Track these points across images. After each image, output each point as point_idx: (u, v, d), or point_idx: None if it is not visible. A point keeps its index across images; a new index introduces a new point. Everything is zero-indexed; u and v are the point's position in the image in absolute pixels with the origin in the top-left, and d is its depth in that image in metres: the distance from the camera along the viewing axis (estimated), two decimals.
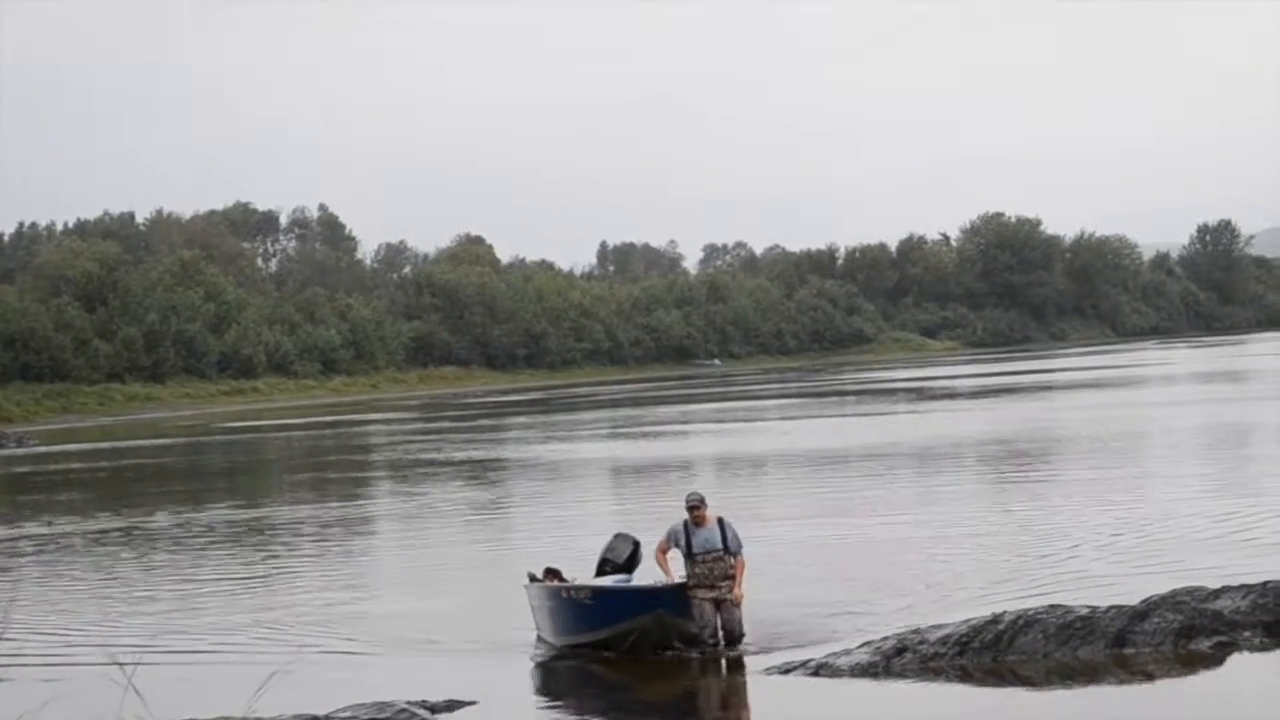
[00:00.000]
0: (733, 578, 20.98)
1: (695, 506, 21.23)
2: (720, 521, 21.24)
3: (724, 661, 20.45)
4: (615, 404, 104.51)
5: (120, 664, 14.98)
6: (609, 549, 22.83)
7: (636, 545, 22.78)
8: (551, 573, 22.82)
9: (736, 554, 21.15)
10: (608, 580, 21.99)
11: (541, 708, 19.47)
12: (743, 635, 20.94)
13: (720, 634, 20.84)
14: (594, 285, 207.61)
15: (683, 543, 21.12)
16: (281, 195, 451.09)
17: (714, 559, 20.95)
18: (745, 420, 74.93)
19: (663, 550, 21.43)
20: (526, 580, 23.04)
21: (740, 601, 20.95)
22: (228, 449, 79.26)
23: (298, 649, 22.70)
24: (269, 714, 17.37)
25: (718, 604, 20.83)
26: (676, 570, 21.31)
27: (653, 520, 33.26)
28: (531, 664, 21.49)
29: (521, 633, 22.99)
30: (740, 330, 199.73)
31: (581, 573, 22.95)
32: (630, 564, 22.53)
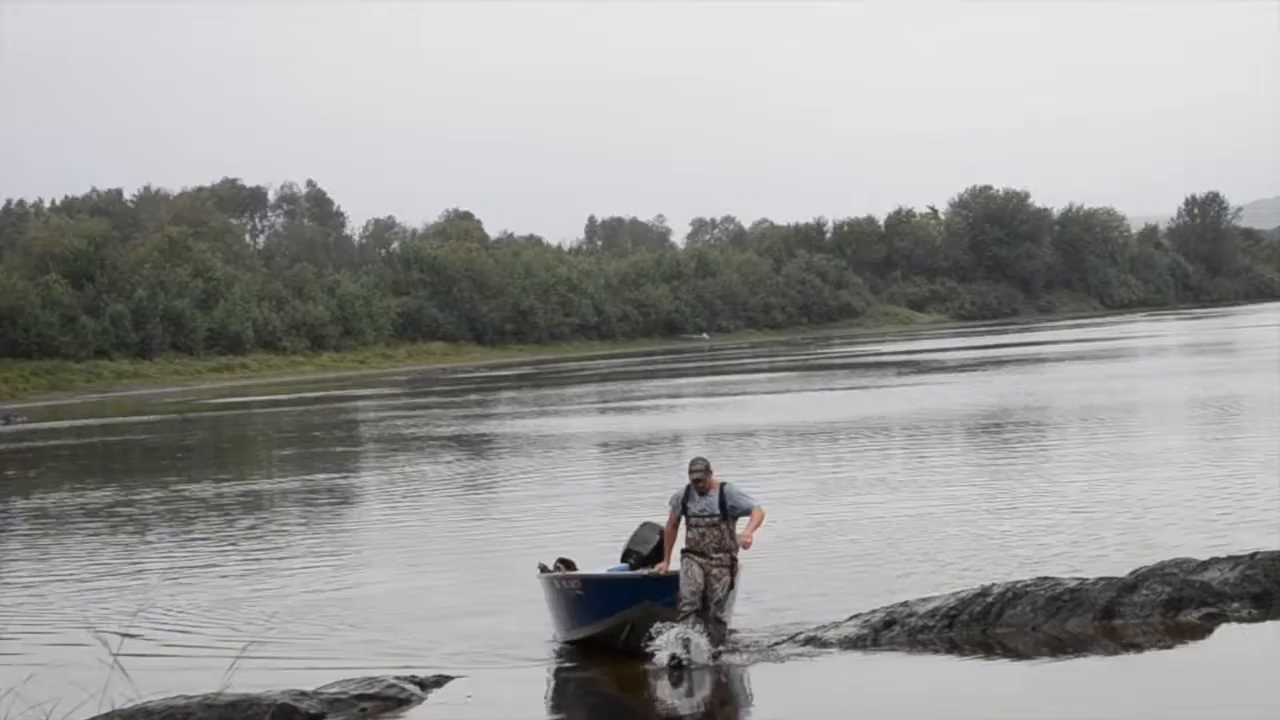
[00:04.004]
0: (727, 550, 19.80)
1: (699, 477, 19.98)
2: (721, 488, 20.02)
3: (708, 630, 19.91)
4: (604, 378, 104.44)
5: (105, 643, 14.98)
6: (634, 538, 21.53)
7: (663, 534, 21.26)
8: (564, 563, 21.62)
9: (747, 512, 19.91)
10: (599, 571, 20.89)
11: (528, 683, 19.38)
12: (720, 612, 19.71)
13: (705, 601, 19.62)
14: (582, 260, 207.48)
15: (679, 508, 20.09)
16: (269, 171, 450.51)
17: (708, 524, 19.77)
18: (734, 394, 74.86)
19: (672, 523, 20.24)
20: (538, 571, 21.73)
21: (748, 544, 19.71)
22: (214, 425, 79.12)
23: (276, 623, 22.70)
24: (257, 690, 17.36)
25: (705, 573, 19.68)
26: (676, 557, 20.14)
27: (644, 497, 33.32)
28: (518, 640, 21.36)
29: (507, 611, 22.89)
30: (728, 304, 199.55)
31: (607, 562, 21.86)
32: (658, 554, 20.96)
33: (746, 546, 19.83)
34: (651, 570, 20.21)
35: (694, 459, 20.36)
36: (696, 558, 19.80)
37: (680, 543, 20.19)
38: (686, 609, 19.54)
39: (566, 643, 20.67)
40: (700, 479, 20.02)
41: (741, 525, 20.00)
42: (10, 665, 19.27)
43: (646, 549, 21.19)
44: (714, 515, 19.88)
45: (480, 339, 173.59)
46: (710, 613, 19.66)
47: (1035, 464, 37.58)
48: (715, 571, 19.76)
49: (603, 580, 20.26)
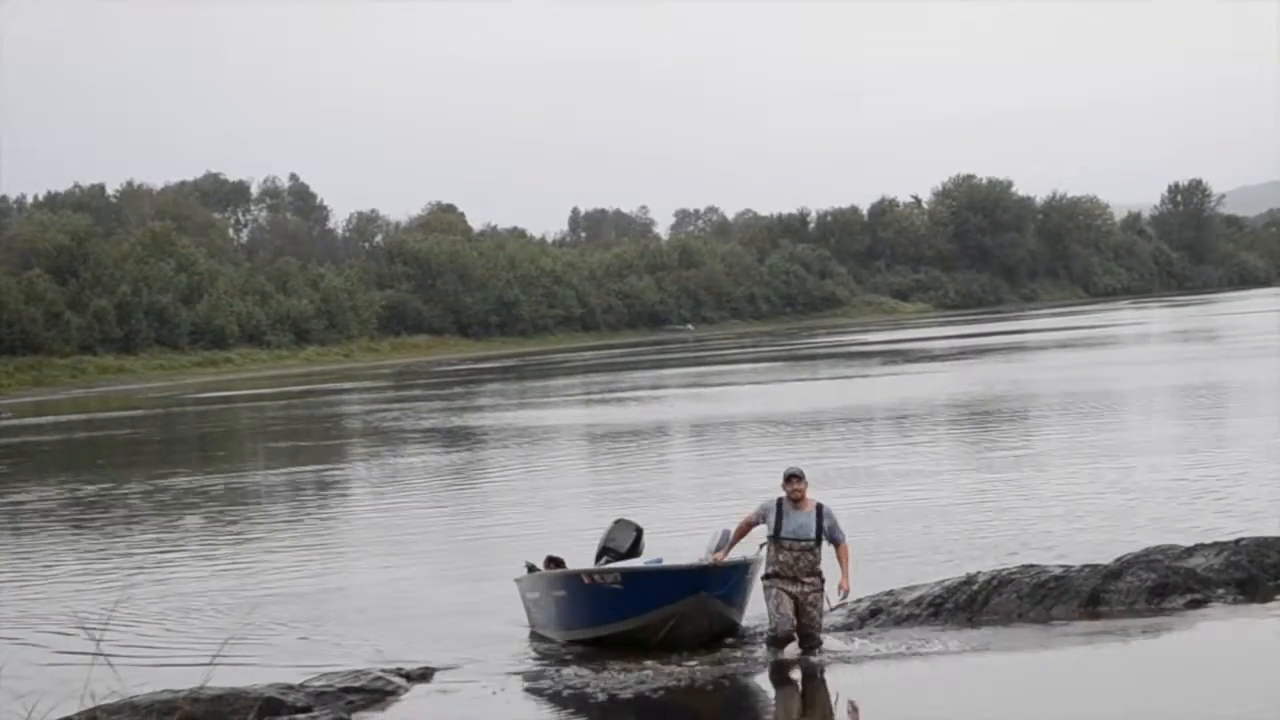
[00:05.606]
0: (818, 573, 18.70)
1: (794, 477, 18.80)
2: (819, 509, 18.83)
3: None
4: (588, 370, 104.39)
5: (88, 637, 14.93)
6: (609, 537, 21.11)
7: (639, 532, 21.10)
8: (554, 562, 21.05)
9: (840, 543, 18.87)
10: (638, 561, 20.25)
11: (514, 675, 19.30)
12: (820, 642, 18.71)
13: (795, 634, 18.65)
14: (566, 252, 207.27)
15: (772, 522, 18.75)
16: (252, 165, 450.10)
17: (802, 548, 18.64)
18: (718, 385, 74.79)
19: (748, 523, 18.96)
20: (524, 570, 21.23)
21: (847, 593, 18.80)
22: (199, 420, 79.01)
23: (261, 616, 22.65)
24: (243, 683, 17.31)
25: (798, 601, 18.58)
26: (737, 556, 19.13)
27: (628, 489, 33.26)
28: (504, 634, 21.27)
29: (493, 604, 22.79)
30: (712, 295, 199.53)
31: (579, 560, 21.40)
32: (632, 554, 20.76)
33: (846, 594, 18.84)
34: (707, 560, 19.05)
35: (791, 468, 19.17)
36: (788, 585, 18.68)
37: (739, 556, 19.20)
38: (771, 638, 18.72)
39: (577, 643, 19.75)
40: (796, 479, 18.82)
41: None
42: None
43: (621, 547, 20.90)
44: (809, 540, 18.78)
45: (465, 332, 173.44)
46: (815, 643, 18.69)
47: (1020, 452, 37.56)
48: (812, 598, 18.72)
49: (651, 571, 19.34)
